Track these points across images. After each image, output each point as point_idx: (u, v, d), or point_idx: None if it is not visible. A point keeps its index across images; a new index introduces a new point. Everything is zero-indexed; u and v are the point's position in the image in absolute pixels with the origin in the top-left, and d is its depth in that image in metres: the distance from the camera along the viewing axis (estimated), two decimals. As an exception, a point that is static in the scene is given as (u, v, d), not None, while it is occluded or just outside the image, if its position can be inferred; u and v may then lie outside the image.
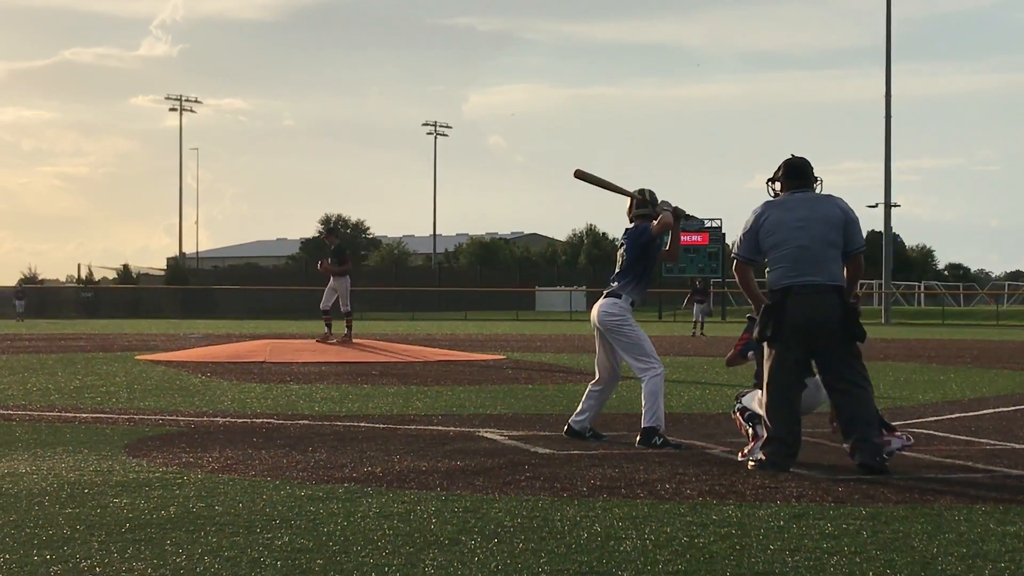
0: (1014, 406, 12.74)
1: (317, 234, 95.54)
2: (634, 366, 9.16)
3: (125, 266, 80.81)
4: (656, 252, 9.39)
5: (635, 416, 9.43)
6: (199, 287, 75.62)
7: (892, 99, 58.75)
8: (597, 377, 9.52)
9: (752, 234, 7.99)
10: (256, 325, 44.85)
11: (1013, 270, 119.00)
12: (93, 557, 5.17)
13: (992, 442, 9.50)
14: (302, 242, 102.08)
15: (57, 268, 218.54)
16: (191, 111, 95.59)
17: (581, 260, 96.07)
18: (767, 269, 8.00)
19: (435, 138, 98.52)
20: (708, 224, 55.15)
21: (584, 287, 70.39)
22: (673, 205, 9.28)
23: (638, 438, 8.98)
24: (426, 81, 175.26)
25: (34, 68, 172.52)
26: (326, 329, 22.10)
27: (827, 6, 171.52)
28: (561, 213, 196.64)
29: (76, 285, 75.46)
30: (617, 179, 9.62)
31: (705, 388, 14.71)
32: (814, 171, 8.10)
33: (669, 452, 8.64)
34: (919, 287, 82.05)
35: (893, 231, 63.82)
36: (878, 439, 7.73)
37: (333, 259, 21.75)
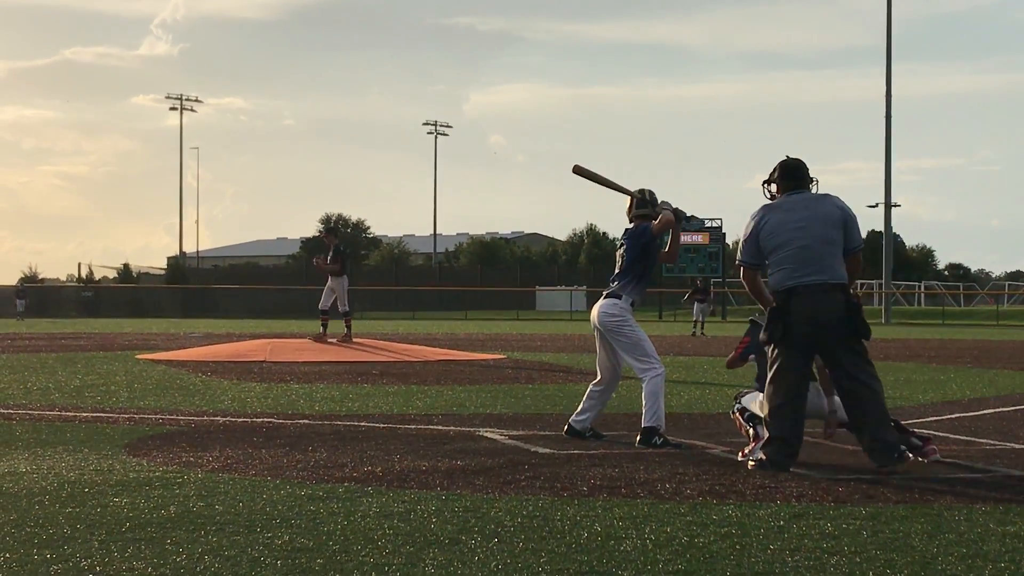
0: (1014, 406, 12.74)
1: (317, 233, 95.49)
2: (634, 366, 9.17)
3: (125, 265, 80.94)
4: (656, 252, 9.39)
5: (635, 416, 9.44)
6: (199, 286, 75.61)
7: (892, 99, 58.81)
8: (599, 377, 9.53)
9: (753, 239, 8.00)
10: (256, 324, 44.85)
11: (1013, 270, 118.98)
12: (93, 556, 5.17)
13: (992, 442, 9.51)
14: (302, 241, 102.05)
15: (57, 267, 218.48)
16: (191, 110, 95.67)
17: (581, 260, 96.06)
18: (769, 271, 8.00)
19: (435, 138, 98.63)
20: (708, 224, 55.17)
21: (584, 287, 70.40)
22: (673, 206, 9.28)
23: (638, 438, 8.98)
24: (426, 81, 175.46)
25: (35, 67, 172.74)
26: (321, 329, 22.11)
27: (827, 6, 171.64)
28: (561, 213, 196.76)
29: (76, 284, 75.52)
30: (617, 179, 9.63)
31: (705, 388, 14.71)
32: (809, 171, 8.12)
33: (669, 452, 8.64)
34: (919, 287, 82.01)
35: (893, 231, 63.86)
36: (892, 436, 7.76)
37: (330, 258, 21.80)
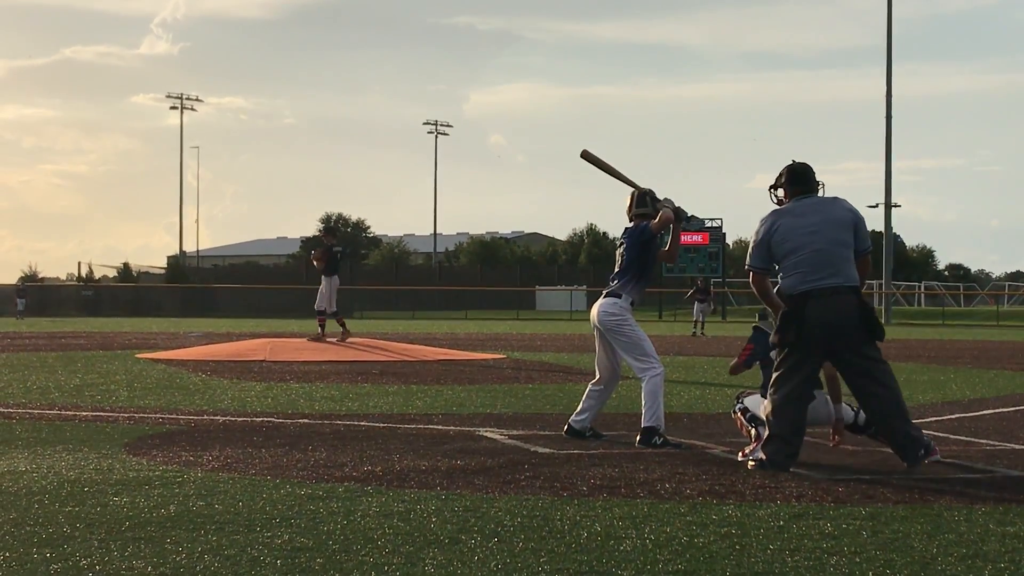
0: (1014, 407, 12.74)
1: (317, 233, 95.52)
2: (634, 366, 9.16)
3: (125, 264, 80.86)
4: (656, 251, 9.39)
5: (635, 416, 9.44)
6: (199, 286, 75.58)
7: (893, 99, 58.73)
8: (598, 377, 9.52)
9: (764, 244, 7.99)
10: (256, 324, 44.85)
11: (1013, 270, 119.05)
12: (93, 555, 5.17)
13: (992, 443, 9.51)
14: (302, 241, 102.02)
15: (57, 266, 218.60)
16: (192, 109, 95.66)
17: (581, 259, 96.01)
18: (781, 276, 7.99)
19: (436, 137, 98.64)
20: (708, 224, 55.14)
21: (584, 286, 70.38)
22: (674, 205, 9.28)
23: (638, 438, 8.98)
24: (427, 80, 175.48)
25: (35, 66, 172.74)
26: (319, 329, 22.12)
27: (828, 6, 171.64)
28: (561, 212, 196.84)
29: (76, 283, 75.49)
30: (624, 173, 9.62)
31: (705, 388, 14.71)
32: (816, 175, 8.13)
33: (669, 452, 8.64)
34: (919, 287, 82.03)
35: (893, 231, 63.80)
36: (916, 432, 7.82)
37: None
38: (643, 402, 8.98)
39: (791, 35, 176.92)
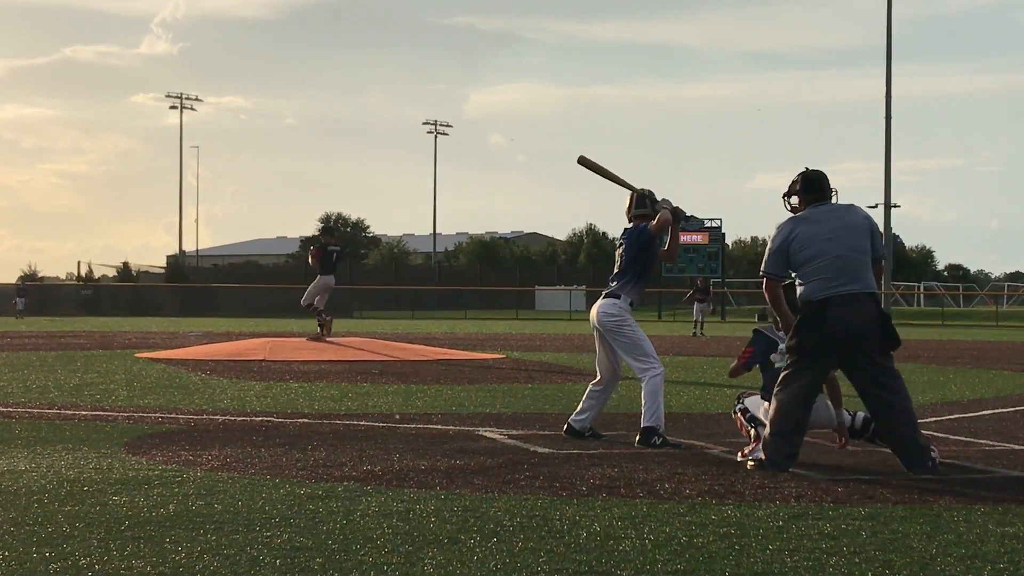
0: (1013, 407, 12.75)
1: (316, 233, 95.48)
2: (634, 366, 9.17)
3: (125, 264, 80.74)
4: (655, 251, 9.39)
5: (635, 416, 9.44)
6: (199, 285, 75.53)
7: (892, 99, 58.89)
8: (598, 377, 9.53)
9: (782, 251, 7.96)
10: (256, 323, 44.84)
11: (1013, 271, 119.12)
12: (92, 555, 5.17)
13: (991, 443, 9.51)
14: (302, 240, 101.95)
15: (57, 266, 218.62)
16: (192, 109, 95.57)
17: (581, 259, 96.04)
18: (800, 282, 7.95)
19: (435, 137, 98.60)
20: (708, 224, 55.12)
21: (584, 287, 70.34)
22: (673, 204, 9.28)
23: (637, 438, 8.98)
24: (427, 80, 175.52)
25: (35, 66, 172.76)
26: (318, 329, 22.10)
27: (828, 6, 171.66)
28: (561, 212, 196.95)
29: (76, 283, 75.43)
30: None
31: (705, 388, 14.71)
32: (830, 182, 8.12)
33: (668, 452, 8.64)
34: (919, 288, 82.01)
35: (893, 232, 63.87)
36: (924, 441, 7.80)
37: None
38: (643, 402, 8.98)
39: (791, 35, 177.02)
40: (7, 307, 58.98)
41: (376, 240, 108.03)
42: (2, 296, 63.02)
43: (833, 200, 8.13)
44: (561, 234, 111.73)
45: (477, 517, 6.04)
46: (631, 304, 9.26)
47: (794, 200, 8.12)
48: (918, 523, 6.01)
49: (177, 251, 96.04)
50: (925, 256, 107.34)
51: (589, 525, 5.88)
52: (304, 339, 22.42)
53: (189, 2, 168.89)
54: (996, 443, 9.49)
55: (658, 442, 8.84)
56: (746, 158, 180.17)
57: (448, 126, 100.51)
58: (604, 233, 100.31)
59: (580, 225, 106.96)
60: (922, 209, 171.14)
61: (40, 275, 77.88)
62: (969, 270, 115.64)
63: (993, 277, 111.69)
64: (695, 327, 37.36)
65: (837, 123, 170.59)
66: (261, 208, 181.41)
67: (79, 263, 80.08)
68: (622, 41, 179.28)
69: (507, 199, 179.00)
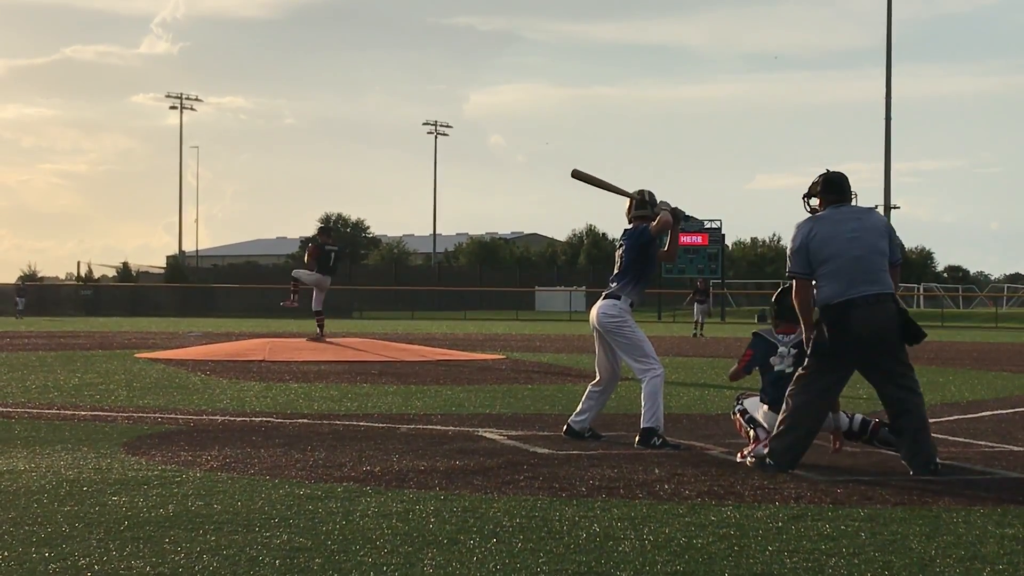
0: (1012, 408, 12.75)
1: (315, 233, 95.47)
2: (633, 367, 9.17)
3: (125, 264, 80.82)
4: (655, 252, 9.39)
5: (635, 417, 9.44)
6: (199, 285, 75.57)
7: (892, 100, 59.04)
8: (598, 378, 9.53)
9: (803, 250, 7.91)
10: (255, 324, 44.84)
11: (1012, 272, 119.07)
12: (91, 555, 5.17)
13: (990, 444, 9.51)
14: (301, 241, 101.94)
15: (57, 266, 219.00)
16: (191, 109, 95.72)
17: (581, 260, 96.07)
18: (819, 283, 7.91)
19: (435, 137, 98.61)
20: (708, 225, 55.14)
21: (584, 287, 70.37)
22: (672, 205, 9.28)
23: (637, 438, 8.98)
24: (427, 80, 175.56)
25: (35, 65, 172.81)
26: (318, 329, 22.10)
27: (828, 7, 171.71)
28: (561, 213, 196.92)
29: (76, 283, 75.45)
30: (617, 180, 9.63)
31: (704, 389, 14.71)
32: (851, 184, 8.10)
33: (668, 453, 8.64)
34: (918, 289, 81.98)
35: (892, 233, 63.74)
36: (931, 446, 7.80)
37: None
38: (642, 403, 8.98)
39: (791, 36, 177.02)
40: (7, 307, 58.99)
41: (376, 240, 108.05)
42: (2, 296, 63.03)
43: (853, 203, 8.12)
44: (561, 235, 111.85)
45: (476, 518, 6.04)
46: (631, 305, 9.26)
47: (814, 201, 8.09)
48: (917, 524, 6.01)
49: (177, 251, 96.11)
50: (925, 257, 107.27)
51: (588, 526, 5.88)
52: (304, 339, 22.42)
53: (189, 2, 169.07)
54: (995, 444, 9.49)
55: (657, 443, 8.84)
56: (746, 159, 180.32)
57: (448, 126, 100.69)
58: (604, 234, 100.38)
59: (580, 226, 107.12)
60: (922, 210, 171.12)
61: (40, 275, 77.95)
62: (969, 271, 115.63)
63: (993, 278, 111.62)
64: (695, 328, 37.36)
65: (837, 124, 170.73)
66: (261, 208, 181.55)
67: (79, 263, 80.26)
68: (622, 41, 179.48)
69: (507, 200, 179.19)
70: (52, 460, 7.97)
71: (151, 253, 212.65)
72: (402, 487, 7.00)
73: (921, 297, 78.74)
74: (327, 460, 8.05)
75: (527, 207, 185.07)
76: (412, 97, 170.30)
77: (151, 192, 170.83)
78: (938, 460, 7.77)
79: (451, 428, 10.13)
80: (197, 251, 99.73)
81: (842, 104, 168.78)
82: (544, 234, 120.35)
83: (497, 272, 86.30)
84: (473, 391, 13.94)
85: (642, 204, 9.40)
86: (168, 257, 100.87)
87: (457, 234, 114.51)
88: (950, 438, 9.83)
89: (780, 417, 7.93)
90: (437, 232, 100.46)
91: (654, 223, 9.21)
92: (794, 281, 8.01)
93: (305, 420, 10.74)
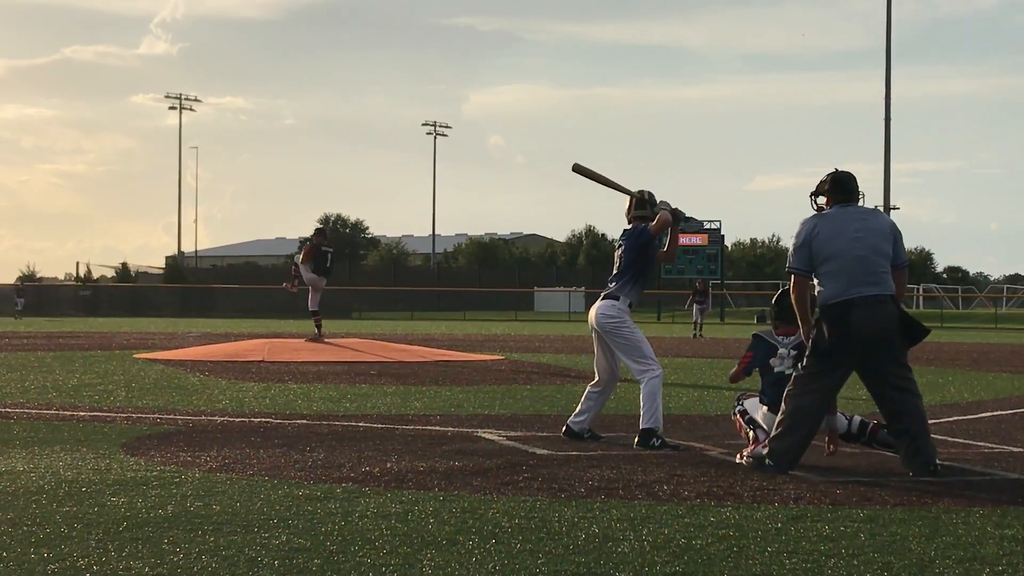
0: (1012, 409, 12.75)
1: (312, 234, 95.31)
2: (632, 368, 9.16)
3: (124, 264, 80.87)
4: (654, 253, 9.38)
5: (634, 417, 9.44)
6: (198, 286, 75.56)
7: (892, 101, 58.98)
8: (596, 379, 9.52)
9: (805, 247, 7.89)
10: (254, 324, 44.84)
11: (1012, 273, 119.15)
12: (90, 555, 5.17)
13: (990, 445, 9.51)
14: (301, 241, 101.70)
15: (56, 266, 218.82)
16: (191, 109, 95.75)
17: (580, 261, 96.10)
18: (820, 282, 7.90)
19: (435, 138, 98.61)
20: (707, 226, 55.13)
21: (583, 288, 70.39)
22: (672, 206, 9.28)
23: (636, 439, 8.98)
24: (426, 81, 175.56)
25: (34, 66, 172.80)
26: (316, 330, 22.09)
27: (828, 8, 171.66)
28: (560, 214, 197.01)
29: (75, 283, 75.45)
30: (617, 180, 9.62)
31: (704, 390, 14.71)
32: (859, 184, 8.09)
33: (667, 454, 8.64)
34: (918, 290, 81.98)
35: (892, 233, 63.74)
36: (930, 448, 7.79)
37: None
38: (641, 404, 8.98)
39: (791, 36, 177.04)
40: (6, 307, 58.98)
41: (375, 241, 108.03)
42: (1, 296, 63.01)
43: (861, 203, 8.11)
44: (560, 235, 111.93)
45: (476, 519, 6.04)
46: (630, 305, 9.25)
47: (821, 200, 8.08)
48: (917, 525, 6.01)
49: (176, 251, 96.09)
50: (924, 258, 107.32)
51: (588, 527, 5.88)
52: (303, 340, 22.41)
53: (189, 2, 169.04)
54: (995, 445, 9.49)
55: (657, 444, 8.84)
56: (746, 160, 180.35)
57: (447, 127, 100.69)
58: (603, 234, 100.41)
59: (579, 226, 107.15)
60: (921, 211, 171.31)
61: (39, 275, 77.94)
62: (968, 272, 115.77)
63: (992, 279, 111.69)
64: (695, 328, 37.36)
65: (837, 125, 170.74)
66: (260, 209, 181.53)
67: (78, 263, 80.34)
68: (622, 42, 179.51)
69: (506, 200, 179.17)
70: (51, 461, 7.96)
71: (150, 253, 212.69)
72: (401, 488, 7.00)
73: (920, 298, 78.75)
74: (326, 461, 8.05)
75: (526, 208, 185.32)
76: (412, 97, 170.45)
77: (150, 192, 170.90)
78: (937, 461, 7.77)
79: (450, 429, 10.13)
80: (196, 251, 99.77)
81: (842, 105, 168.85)
82: (543, 235, 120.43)
83: (496, 273, 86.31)
84: (472, 392, 13.94)
85: (641, 204, 9.40)
86: (167, 257, 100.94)
87: (456, 235, 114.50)
88: (949, 439, 9.83)
89: (779, 418, 7.93)
90: (436, 232, 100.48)
91: (653, 223, 9.21)
92: (792, 276, 8.01)
93: (304, 421, 10.73)
